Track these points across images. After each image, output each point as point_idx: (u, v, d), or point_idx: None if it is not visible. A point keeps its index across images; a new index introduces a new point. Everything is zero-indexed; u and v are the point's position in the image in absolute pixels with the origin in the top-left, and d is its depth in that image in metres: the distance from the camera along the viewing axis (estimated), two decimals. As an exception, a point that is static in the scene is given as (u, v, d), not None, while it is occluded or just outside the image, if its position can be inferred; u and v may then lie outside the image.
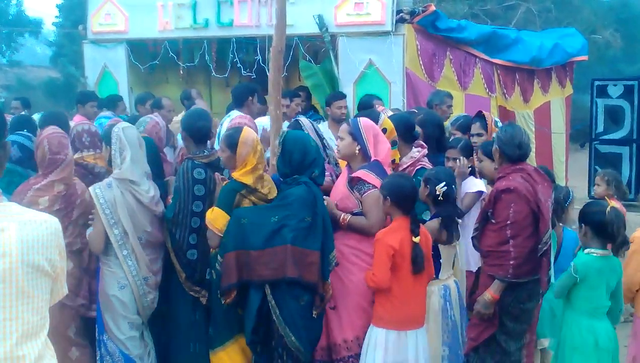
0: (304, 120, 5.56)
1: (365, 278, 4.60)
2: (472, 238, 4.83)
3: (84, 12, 10.30)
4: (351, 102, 8.28)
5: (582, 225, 4.64)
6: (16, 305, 2.32)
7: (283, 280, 4.37)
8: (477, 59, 9.76)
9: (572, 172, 13.28)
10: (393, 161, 5.35)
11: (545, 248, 4.53)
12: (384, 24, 8.26)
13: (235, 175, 4.72)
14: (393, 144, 5.32)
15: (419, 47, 8.44)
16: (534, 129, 11.31)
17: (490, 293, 4.54)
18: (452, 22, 9.37)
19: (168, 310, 5.07)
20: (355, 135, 4.94)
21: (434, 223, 4.86)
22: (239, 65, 9.46)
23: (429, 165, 5.34)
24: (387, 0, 8.22)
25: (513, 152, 4.65)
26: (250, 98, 7.33)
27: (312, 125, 5.49)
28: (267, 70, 7.84)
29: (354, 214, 4.82)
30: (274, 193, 4.76)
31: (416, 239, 4.47)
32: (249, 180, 4.67)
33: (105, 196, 4.71)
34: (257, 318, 4.46)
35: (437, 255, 4.85)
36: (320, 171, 4.68)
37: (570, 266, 4.57)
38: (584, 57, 13.31)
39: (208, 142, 5.40)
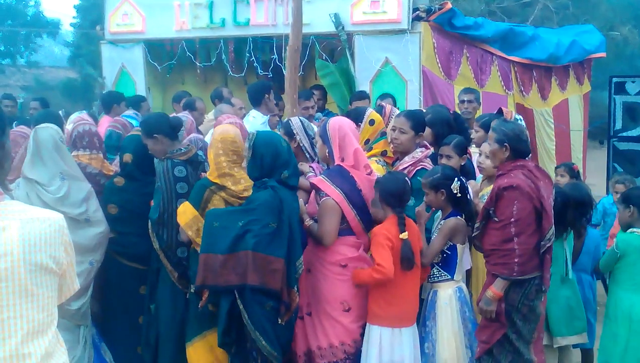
0: (294, 120, 5.54)
1: (364, 277, 4.59)
2: (473, 237, 4.72)
3: (102, 12, 10.34)
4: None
5: (630, 206, 5.07)
6: (19, 304, 2.33)
7: (244, 286, 4.29)
8: (494, 57, 9.72)
9: (590, 170, 13.21)
10: (385, 153, 5.30)
11: (548, 244, 4.46)
12: (400, 22, 8.25)
13: (208, 172, 4.84)
14: (382, 135, 5.29)
15: (435, 45, 8.42)
16: (553, 127, 11.26)
17: (493, 290, 4.48)
18: (469, 20, 9.34)
19: (158, 309, 5.07)
20: (323, 138, 4.89)
21: (460, 220, 4.81)
22: (255, 64, 9.47)
23: (429, 166, 5.21)
24: (404, -2, 8.22)
25: (526, 147, 4.60)
26: (267, 95, 7.33)
27: (303, 125, 5.43)
28: (283, 69, 7.89)
29: (315, 220, 4.77)
30: (250, 192, 4.71)
31: (403, 235, 4.51)
32: (215, 178, 4.75)
33: (13, 195, 4.68)
34: (228, 320, 4.40)
35: (454, 256, 4.82)
36: (292, 172, 4.56)
37: (614, 242, 5.08)
38: (602, 54, 13.23)
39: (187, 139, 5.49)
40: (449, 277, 4.83)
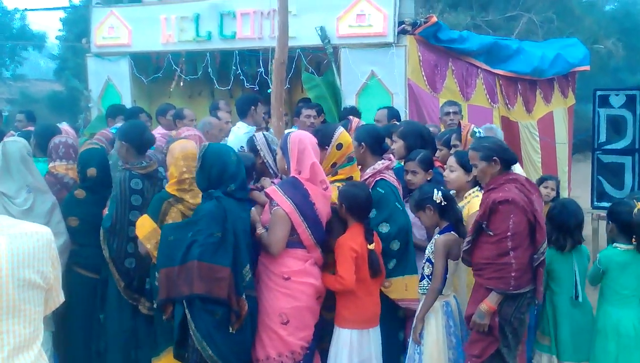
0: (258, 136, 5.54)
1: (328, 283, 4.74)
2: (463, 252, 4.65)
3: (88, 25, 10.36)
4: (354, 114, 8.32)
5: (609, 222, 5.13)
6: (7, 319, 2.32)
7: (193, 296, 4.36)
8: (479, 70, 9.78)
9: (575, 182, 13.29)
10: (351, 179, 5.19)
11: (542, 258, 4.47)
12: (385, 36, 8.29)
13: (167, 185, 4.91)
14: (349, 160, 5.16)
15: (421, 58, 8.47)
16: (538, 139, 11.32)
17: (487, 304, 4.43)
18: (454, 33, 9.39)
19: (106, 318, 5.15)
20: (283, 150, 4.89)
21: (451, 236, 4.81)
22: (241, 77, 9.50)
23: (389, 177, 5.17)
24: (389, 12, 8.26)
25: (512, 154, 4.59)
26: (253, 108, 7.36)
27: (266, 140, 5.45)
28: (269, 82, 7.89)
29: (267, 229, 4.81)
30: None
31: (371, 246, 4.73)
32: (173, 191, 4.84)
33: None
34: (181, 331, 4.45)
35: (444, 270, 4.81)
36: (239, 186, 4.61)
37: (597, 258, 5.10)
38: (586, 67, 13.34)
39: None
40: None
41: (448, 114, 7.60)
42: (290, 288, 4.65)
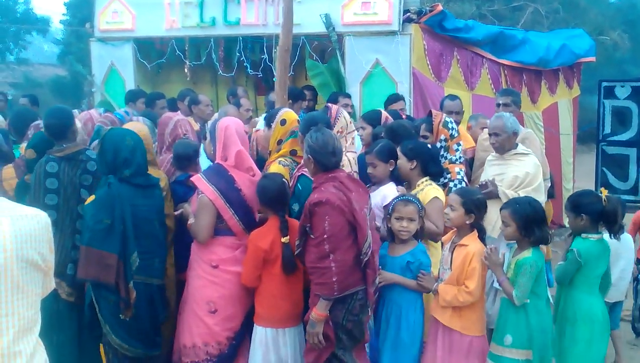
0: (210, 122, 5.57)
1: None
2: (297, 255, 4.51)
3: (92, 10, 10.31)
4: (357, 102, 8.28)
5: (582, 214, 4.89)
6: (12, 301, 2.32)
7: (84, 280, 4.42)
8: (484, 59, 9.73)
9: (579, 174, 13.25)
10: (294, 152, 5.15)
11: (367, 258, 4.30)
12: (390, 24, 8.24)
13: None
14: (292, 133, 5.17)
15: (426, 47, 8.42)
16: (543, 130, 11.27)
17: (316, 312, 4.26)
18: (459, 22, 9.34)
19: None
20: (211, 135, 4.92)
21: None
22: (245, 63, 9.47)
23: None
24: (394, 0, 8.21)
25: (329, 160, 4.37)
26: (290, 101, 7.34)
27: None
28: (273, 69, 7.87)
29: None
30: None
31: (284, 240, 4.57)
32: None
33: None
34: (90, 313, 4.51)
35: None
36: (135, 171, 4.59)
37: (573, 252, 4.84)
38: (592, 58, 13.27)
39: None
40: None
41: (498, 105, 7.16)
42: (218, 276, 4.67)
